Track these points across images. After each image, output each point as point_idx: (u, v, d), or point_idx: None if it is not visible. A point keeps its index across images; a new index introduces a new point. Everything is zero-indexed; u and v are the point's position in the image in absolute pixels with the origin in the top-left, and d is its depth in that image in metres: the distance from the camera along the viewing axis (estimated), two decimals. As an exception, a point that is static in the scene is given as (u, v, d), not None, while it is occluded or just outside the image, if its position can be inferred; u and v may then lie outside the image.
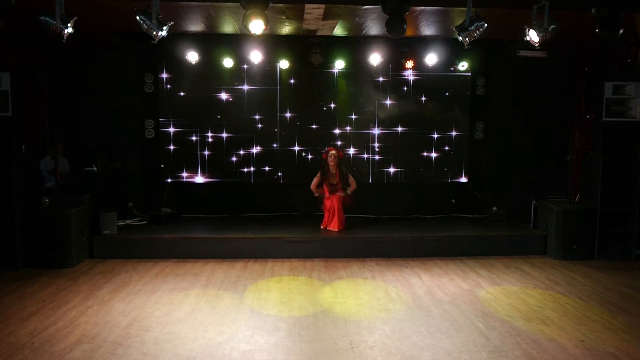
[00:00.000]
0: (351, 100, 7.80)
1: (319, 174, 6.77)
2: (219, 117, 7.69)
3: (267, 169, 7.79)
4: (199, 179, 7.76)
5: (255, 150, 7.78)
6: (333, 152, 6.70)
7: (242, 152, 7.76)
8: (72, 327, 4.07)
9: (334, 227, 6.58)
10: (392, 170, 7.95)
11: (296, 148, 7.79)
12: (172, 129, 7.67)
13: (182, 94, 7.62)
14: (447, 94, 7.89)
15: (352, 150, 7.87)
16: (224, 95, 7.68)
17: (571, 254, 6.30)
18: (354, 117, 7.80)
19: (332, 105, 7.80)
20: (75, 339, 3.84)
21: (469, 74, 7.84)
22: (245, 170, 7.79)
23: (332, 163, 6.67)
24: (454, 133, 7.96)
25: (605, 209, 6.34)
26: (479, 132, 7.98)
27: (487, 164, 7.98)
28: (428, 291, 5.02)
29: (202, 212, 7.69)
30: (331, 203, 6.69)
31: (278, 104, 7.74)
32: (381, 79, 7.80)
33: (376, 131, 7.88)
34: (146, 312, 4.39)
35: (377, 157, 7.92)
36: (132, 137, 7.56)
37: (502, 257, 6.35)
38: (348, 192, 6.75)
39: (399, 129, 7.90)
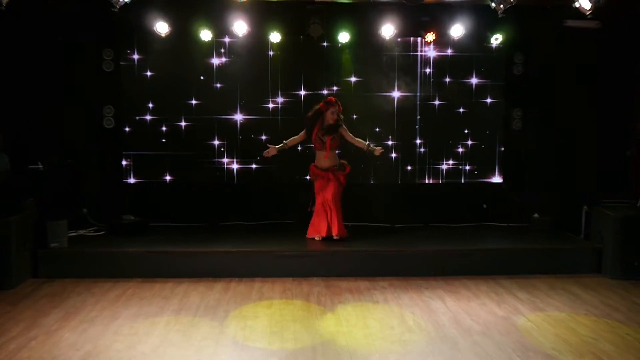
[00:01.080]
0: (357, 82, 7.77)
1: (303, 132, 6.66)
2: (194, 102, 7.65)
3: (254, 166, 7.75)
4: (170, 178, 7.73)
5: (240, 143, 7.74)
6: (335, 108, 6.50)
7: (224, 145, 7.72)
8: (10, 363, 4.02)
9: (332, 231, 6.56)
10: (408, 168, 7.92)
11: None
12: (137, 117, 7.63)
13: (149, 73, 7.59)
14: (476, 73, 7.84)
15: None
16: (201, 76, 7.64)
17: (632, 273, 6.25)
18: (361, 103, 7.77)
19: (335, 88, 7.76)
20: (13, 379, 3.79)
21: (504, 49, 7.79)
22: (228, 167, 7.76)
23: (331, 120, 6.52)
24: (485, 122, 7.92)
25: (674, 216, 6.30)
26: (517, 120, 7.93)
27: (527, 160, 7.94)
28: (454, 318, 4.98)
29: (173, 219, 7.63)
30: (323, 197, 6.61)
31: (269, 85, 7.68)
32: (395, 55, 7.76)
33: (389, 121, 7.84)
34: (104, 345, 4.34)
35: (390, 153, 7.88)
36: (87, 127, 7.52)
37: (545, 275, 6.30)
38: (343, 164, 6.64)
39: (418, 117, 7.87)
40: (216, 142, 7.71)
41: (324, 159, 6.63)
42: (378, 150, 6.56)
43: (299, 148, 7.56)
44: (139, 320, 4.88)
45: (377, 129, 7.83)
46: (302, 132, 6.70)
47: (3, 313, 5.03)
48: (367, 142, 6.62)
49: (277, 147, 6.64)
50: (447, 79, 7.84)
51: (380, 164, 7.84)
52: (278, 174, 7.73)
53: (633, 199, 6.79)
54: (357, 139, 6.67)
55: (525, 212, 7.74)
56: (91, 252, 6.26)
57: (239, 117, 7.70)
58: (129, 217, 7.28)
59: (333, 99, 6.63)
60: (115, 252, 6.25)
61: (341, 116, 6.63)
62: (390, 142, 7.85)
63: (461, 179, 7.96)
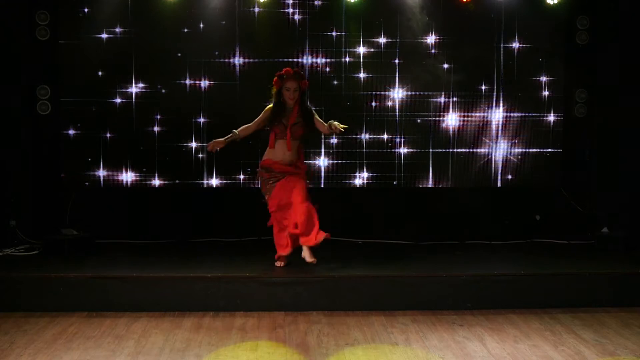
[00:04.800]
0: (371, 51, 7.85)
1: (261, 117, 6.48)
2: (156, 80, 7.74)
3: (238, 164, 7.82)
4: (125, 181, 7.80)
5: (219, 134, 7.78)
6: (294, 82, 6.34)
7: (195, 138, 7.81)
8: None
9: (309, 241, 6.38)
10: (436, 168, 7.99)
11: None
12: (80, 101, 7.69)
13: (96, 42, 7.65)
14: (526, 43, 7.92)
15: (366, 136, 7.91)
16: (167, 46, 7.73)
17: None
18: (372, 75, 7.85)
19: (343, 58, 7.81)
20: None
21: (564, 10, 7.86)
22: (200, 168, 7.84)
23: (290, 99, 6.37)
24: (538, 107, 7.99)
25: None
26: (580, 105, 7.98)
27: (594, 157, 7.99)
28: (497, 365, 5.02)
29: (128, 235, 7.72)
30: (289, 193, 6.39)
31: (265, 65, 7.75)
32: (424, 14, 7.84)
33: (408, 103, 7.92)
34: (37, 400, 4.38)
35: (406, 150, 7.96)
36: (13, 114, 7.56)
37: (616, 309, 6.32)
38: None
39: (447, 99, 7.94)
40: (185, 133, 7.80)
41: (286, 151, 6.42)
42: (340, 126, 6.28)
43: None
44: (84, 367, 4.92)
45: (391, 116, 7.90)
46: (259, 118, 6.50)
47: None
48: (330, 121, 6.35)
49: (224, 139, 6.46)
50: (488, 50, 7.94)
51: (395, 163, 7.91)
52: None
53: None
54: (320, 120, 6.50)
55: (590, 226, 7.79)
56: (21, 278, 6.26)
57: (216, 99, 7.78)
58: (71, 232, 7.31)
59: (290, 70, 6.38)
60: (52, 277, 6.24)
61: (306, 92, 6.53)
62: (409, 134, 7.93)
63: (506, 181, 8.03)
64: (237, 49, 7.75)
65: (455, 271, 6.55)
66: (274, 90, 6.44)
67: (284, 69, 6.38)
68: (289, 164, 6.43)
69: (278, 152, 6.43)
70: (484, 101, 7.95)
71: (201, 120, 7.78)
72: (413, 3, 7.75)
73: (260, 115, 6.47)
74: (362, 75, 7.83)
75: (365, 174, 7.90)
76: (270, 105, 6.47)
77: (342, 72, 7.83)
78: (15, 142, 7.58)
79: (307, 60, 7.79)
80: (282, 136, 6.41)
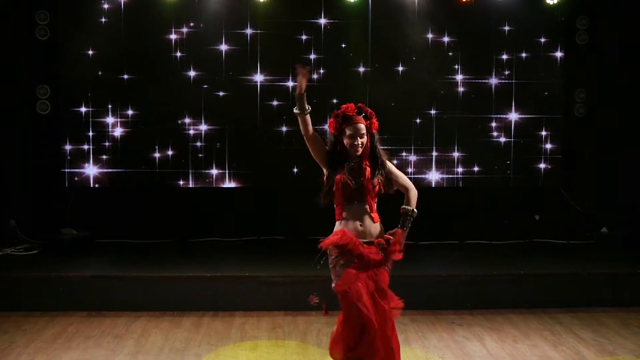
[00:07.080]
0: (371, 50, 7.86)
1: (326, 174, 4.26)
2: (156, 80, 7.72)
3: (235, 164, 7.84)
4: (126, 180, 7.80)
5: (218, 136, 7.83)
6: (361, 124, 4.16)
7: (194, 139, 7.82)
8: None
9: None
10: (436, 170, 8.01)
11: (284, 129, 7.82)
12: (81, 101, 7.69)
13: (96, 43, 7.65)
14: (526, 44, 7.92)
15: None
16: (164, 45, 7.72)
17: None
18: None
19: (343, 58, 7.84)
20: None
21: (563, 11, 7.86)
22: (200, 167, 7.85)
23: (357, 148, 4.18)
24: (537, 107, 7.99)
25: None
26: (579, 105, 7.99)
27: (593, 157, 8.00)
28: (496, 365, 5.02)
29: (128, 235, 7.72)
30: (371, 302, 4.38)
31: (259, 59, 7.75)
32: (423, 15, 7.83)
33: (408, 103, 7.92)
34: (37, 399, 4.39)
35: (406, 150, 7.97)
36: (13, 114, 7.57)
37: (616, 309, 6.32)
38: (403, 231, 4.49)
39: (447, 99, 7.94)
40: (184, 133, 7.79)
41: (363, 216, 4.38)
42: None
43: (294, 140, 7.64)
44: (83, 366, 4.92)
45: (397, 121, 7.89)
46: (319, 143, 4.24)
47: None
48: (411, 208, 4.60)
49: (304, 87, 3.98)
50: (487, 50, 7.93)
51: (402, 162, 7.93)
52: (265, 177, 7.81)
53: None
54: (402, 175, 4.55)
55: (590, 226, 7.80)
56: (21, 278, 6.28)
57: (215, 101, 7.75)
58: (70, 232, 7.32)
59: (351, 106, 4.21)
60: (52, 277, 6.26)
61: (376, 136, 4.32)
62: (414, 136, 7.95)
63: (506, 182, 8.03)
64: (238, 48, 7.78)
65: (455, 271, 6.56)
66: (330, 136, 4.29)
67: (343, 106, 4.19)
68: (368, 235, 4.38)
69: (351, 218, 4.35)
70: (483, 101, 7.94)
71: (202, 119, 7.78)
72: (413, 4, 7.75)
73: (320, 146, 4.24)
74: (361, 73, 7.86)
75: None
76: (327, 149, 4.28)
77: (341, 71, 7.85)
78: (15, 142, 7.58)
79: (311, 56, 7.81)
80: (353, 199, 4.31)
